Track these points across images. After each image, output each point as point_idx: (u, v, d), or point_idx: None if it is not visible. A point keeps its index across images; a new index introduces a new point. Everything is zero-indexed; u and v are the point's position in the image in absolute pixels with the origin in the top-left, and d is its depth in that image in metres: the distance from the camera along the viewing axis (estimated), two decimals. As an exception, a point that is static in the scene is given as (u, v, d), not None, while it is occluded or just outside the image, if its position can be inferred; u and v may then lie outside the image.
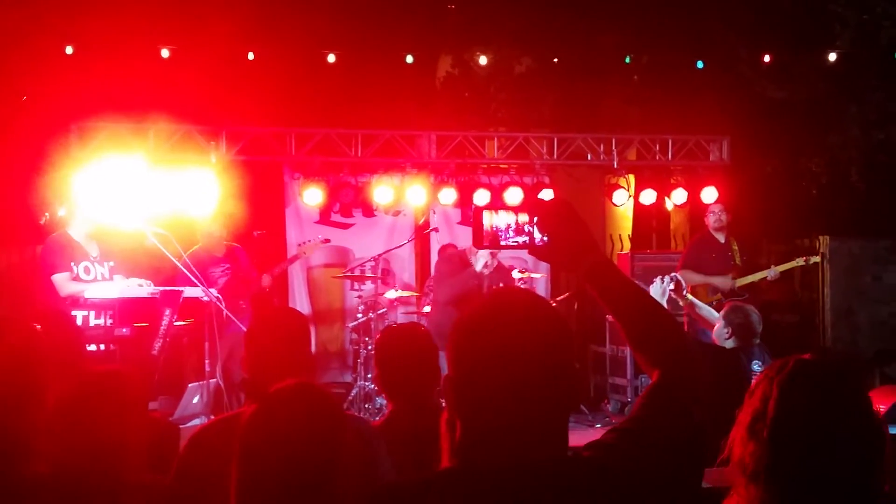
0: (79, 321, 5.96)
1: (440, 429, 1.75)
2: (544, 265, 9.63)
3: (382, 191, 9.86)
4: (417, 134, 10.13)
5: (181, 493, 2.86)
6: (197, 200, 8.42)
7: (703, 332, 6.41)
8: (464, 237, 10.15)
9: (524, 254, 8.28)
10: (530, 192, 10.06)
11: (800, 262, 8.79)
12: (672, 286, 5.66)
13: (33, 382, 2.61)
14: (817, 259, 9.31)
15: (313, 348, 8.87)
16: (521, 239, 1.96)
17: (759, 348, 5.56)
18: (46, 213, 8.73)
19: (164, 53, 9.67)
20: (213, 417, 6.14)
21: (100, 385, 2.76)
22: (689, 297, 6.17)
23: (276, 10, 10.01)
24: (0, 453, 2.61)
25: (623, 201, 10.54)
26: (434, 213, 10.37)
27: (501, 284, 7.09)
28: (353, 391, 8.83)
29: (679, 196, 10.44)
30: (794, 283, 12.12)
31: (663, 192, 10.57)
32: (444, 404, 1.73)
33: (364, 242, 10.26)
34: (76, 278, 6.56)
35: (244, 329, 5.95)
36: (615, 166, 10.29)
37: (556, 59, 11.11)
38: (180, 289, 6.63)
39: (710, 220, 8.84)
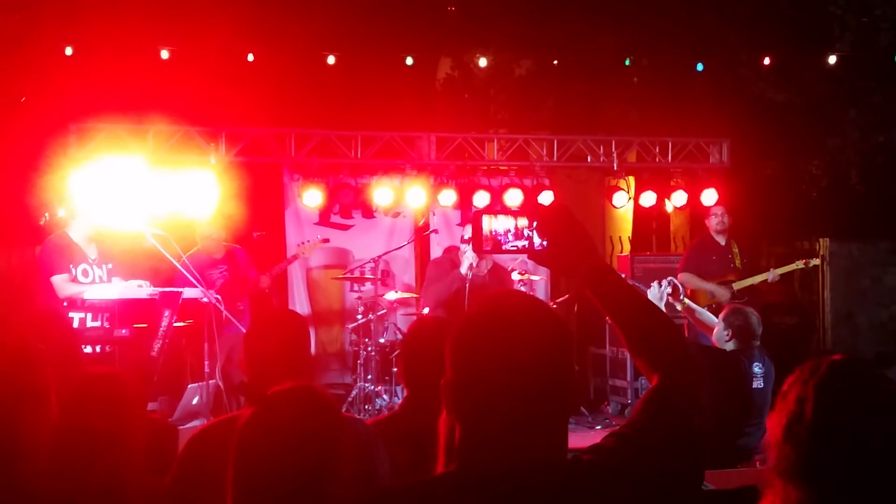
0: (76, 323, 5.96)
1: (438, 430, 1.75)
2: (544, 268, 9.61)
3: (382, 192, 9.86)
4: (417, 135, 10.13)
5: (180, 494, 2.86)
6: (196, 202, 8.42)
7: (701, 336, 6.41)
8: (463, 239, 10.14)
9: (524, 256, 8.28)
10: (530, 194, 10.05)
11: (799, 264, 8.79)
12: (670, 290, 5.66)
13: (30, 383, 2.61)
14: (817, 262, 9.31)
15: (313, 350, 8.87)
16: (520, 243, 1.96)
17: (759, 350, 5.57)
18: (46, 214, 8.73)
19: (164, 54, 9.66)
20: (212, 418, 6.14)
21: (98, 386, 2.76)
22: (687, 301, 6.17)
23: (275, 12, 10.00)
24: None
25: (623, 203, 10.54)
26: (434, 214, 10.37)
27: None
28: (353, 392, 8.82)
29: (679, 198, 10.44)
30: (794, 286, 12.12)
31: (663, 195, 10.57)
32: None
33: (364, 244, 10.25)
34: (74, 280, 6.56)
35: (243, 330, 5.95)
36: (615, 168, 10.30)
37: (555, 61, 11.11)
38: (180, 290, 6.64)
39: (712, 223, 8.84)
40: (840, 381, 1.92)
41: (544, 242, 1.91)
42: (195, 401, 6.85)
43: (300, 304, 10.18)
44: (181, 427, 6.14)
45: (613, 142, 10.28)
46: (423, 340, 3.52)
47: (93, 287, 6.52)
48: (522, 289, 8.25)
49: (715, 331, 5.70)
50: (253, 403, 2.26)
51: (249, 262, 8.24)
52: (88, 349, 5.89)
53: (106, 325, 6.08)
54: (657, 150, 10.44)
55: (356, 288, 9.59)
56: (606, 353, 9.89)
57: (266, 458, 2.12)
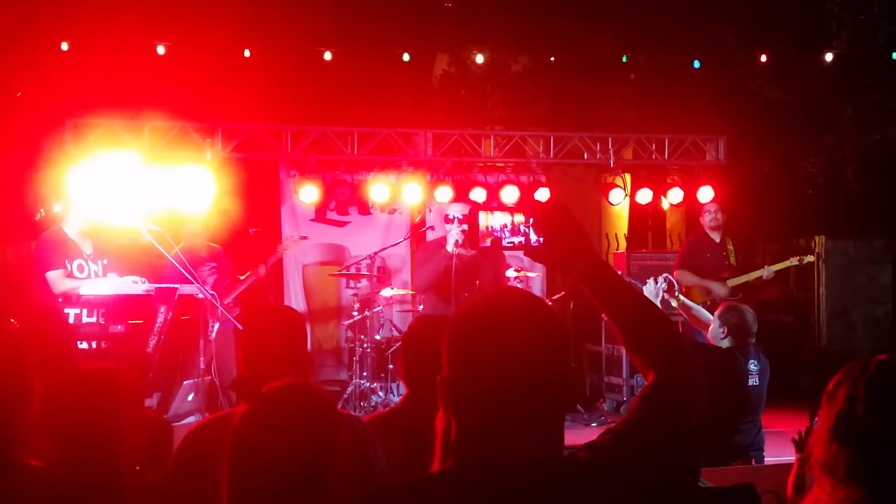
0: (71, 319, 5.94)
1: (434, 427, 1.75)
2: (540, 264, 9.62)
3: (378, 189, 9.85)
4: (414, 132, 10.12)
5: (176, 491, 2.86)
6: (192, 197, 8.41)
7: (696, 333, 6.41)
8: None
9: (520, 253, 8.27)
10: (526, 191, 10.05)
11: (794, 261, 8.80)
12: (665, 286, 5.67)
13: (21, 379, 2.60)
14: (811, 258, 9.32)
15: (309, 346, 8.88)
16: (516, 240, 1.96)
17: (755, 348, 5.57)
18: (41, 210, 8.72)
19: (160, 50, 9.65)
20: (206, 415, 6.14)
21: (95, 382, 2.76)
22: (682, 297, 6.17)
23: (272, 8, 10.00)
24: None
25: (619, 200, 10.54)
26: (430, 211, 10.36)
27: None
28: (349, 389, 8.83)
29: (675, 195, 10.45)
30: (790, 283, 12.14)
31: (659, 192, 10.57)
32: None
33: (360, 240, 10.24)
34: (70, 276, 6.55)
35: (239, 327, 5.95)
36: (612, 165, 10.30)
37: (552, 58, 11.11)
38: (175, 286, 6.63)
39: (706, 220, 8.85)
40: (892, 379, 1.92)
41: (541, 239, 1.91)
42: (190, 397, 6.85)
43: (296, 300, 10.18)
44: (176, 424, 6.14)
45: (610, 139, 10.28)
46: (423, 338, 3.51)
47: (88, 282, 6.51)
48: (518, 285, 8.25)
49: (710, 328, 5.70)
50: (248, 400, 2.26)
51: (231, 262, 8.26)
52: (84, 345, 5.88)
53: (101, 321, 6.07)
54: (654, 147, 10.44)
55: (352, 284, 9.58)
56: (602, 351, 9.90)
57: (261, 455, 2.12)
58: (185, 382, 6.87)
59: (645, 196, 10.53)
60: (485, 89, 11.42)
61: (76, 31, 9.35)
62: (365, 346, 8.79)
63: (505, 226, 1.95)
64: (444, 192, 9.91)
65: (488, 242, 1.99)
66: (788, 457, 4.55)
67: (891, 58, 10.71)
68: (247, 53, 9.91)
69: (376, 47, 10.45)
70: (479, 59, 10.84)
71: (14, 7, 9.00)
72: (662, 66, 11.06)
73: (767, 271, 8.55)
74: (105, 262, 6.81)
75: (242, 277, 8.16)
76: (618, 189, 10.39)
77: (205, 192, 8.49)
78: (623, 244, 11.57)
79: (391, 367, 8.72)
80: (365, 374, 8.71)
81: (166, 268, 7.09)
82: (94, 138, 8.94)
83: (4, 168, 8.82)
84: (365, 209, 10.25)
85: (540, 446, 1.61)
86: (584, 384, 10.22)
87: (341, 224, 10.34)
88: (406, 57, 10.43)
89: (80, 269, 6.63)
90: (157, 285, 6.59)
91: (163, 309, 6.29)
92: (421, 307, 7.84)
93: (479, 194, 9.91)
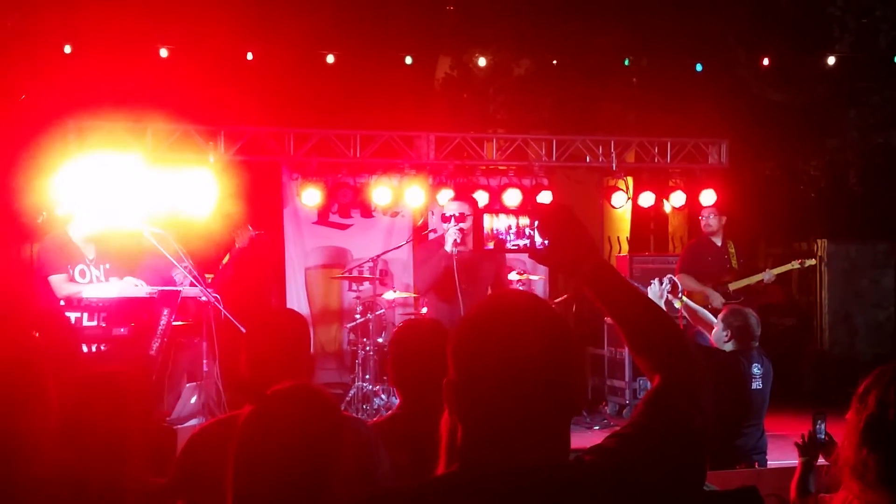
0: (72, 322, 5.94)
1: (439, 430, 1.75)
2: (542, 267, 9.61)
3: (381, 192, 9.86)
4: (416, 135, 10.13)
5: (179, 493, 2.86)
6: (195, 200, 8.41)
7: (699, 335, 6.41)
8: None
9: (522, 255, 8.25)
10: (529, 194, 10.05)
11: (795, 265, 8.80)
12: (669, 287, 5.67)
13: (31, 384, 2.60)
14: (813, 262, 9.30)
15: (311, 349, 8.87)
16: (521, 242, 1.96)
17: (758, 351, 5.57)
18: (44, 213, 8.71)
19: (163, 53, 9.66)
20: (210, 418, 6.14)
21: (103, 386, 2.76)
22: (685, 299, 6.17)
23: (274, 10, 10.00)
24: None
25: (621, 203, 10.54)
26: (432, 214, 10.36)
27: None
28: (351, 392, 8.82)
29: (677, 199, 10.45)
30: (792, 287, 12.13)
31: (662, 195, 10.58)
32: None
33: (362, 243, 10.24)
34: (72, 280, 6.55)
35: (243, 330, 5.95)
36: (614, 168, 10.30)
37: (554, 61, 11.11)
38: (178, 289, 6.63)
39: (702, 224, 8.87)
40: None
41: (545, 241, 1.91)
42: (193, 400, 6.84)
43: (298, 303, 10.17)
44: (179, 427, 6.14)
45: (612, 142, 10.28)
46: (408, 343, 3.52)
47: (90, 287, 6.51)
48: (521, 288, 8.24)
49: (714, 331, 5.70)
50: (252, 402, 2.26)
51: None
52: (85, 348, 5.88)
53: (103, 324, 6.07)
54: (656, 150, 10.45)
55: (354, 287, 9.59)
56: (604, 354, 9.89)
57: (265, 458, 2.12)
58: (187, 385, 6.86)
59: (647, 199, 10.53)
60: (487, 92, 11.41)
61: (79, 33, 9.36)
62: (367, 349, 8.79)
63: (510, 228, 1.96)
64: (447, 195, 9.90)
65: (491, 245, 1.99)
66: (791, 460, 4.55)
67: (893, 61, 10.71)
68: (249, 56, 9.91)
69: (379, 50, 10.46)
70: (482, 62, 10.84)
71: (17, 9, 9.01)
72: (664, 69, 11.06)
73: (769, 274, 8.54)
74: (107, 266, 6.81)
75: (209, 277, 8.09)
76: (620, 192, 10.40)
77: (207, 194, 8.49)
78: (625, 247, 11.57)
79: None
80: (367, 377, 8.71)
81: (167, 270, 7.08)
82: (96, 141, 8.94)
83: (6, 170, 8.82)
84: (367, 212, 10.25)
85: (546, 450, 1.61)
86: (587, 387, 10.21)
87: (344, 227, 10.35)
88: (408, 60, 10.43)
89: (83, 274, 6.63)
90: (160, 288, 6.59)
91: (165, 312, 6.29)
92: (424, 310, 7.82)
93: (481, 197, 9.92)
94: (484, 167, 10.39)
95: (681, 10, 10.72)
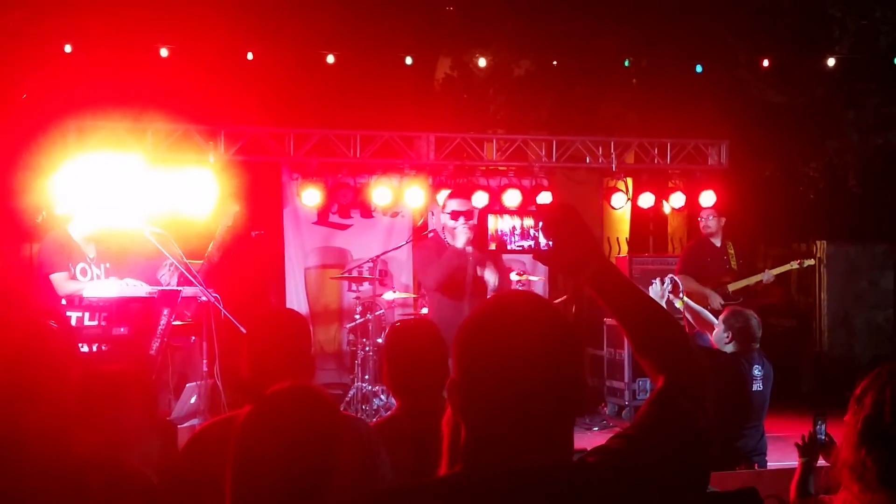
0: (73, 322, 5.93)
1: (441, 430, 1.75)
2: (542, 268, 9.63)
3: (381, 192, 9.86)
4: (416, 135, 10.13)
5: (180, 493, 2.86)
6: (195, 200, 8.41)
7: (699, 335, 6.42)
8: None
9: (522, 256, 8.24)
10: (529, 195, 10.05)
11: (794, 265, 8.80)
12: (670, 287, 5.68)
13: (31, 381, 2.60)
14: (811, 262, 9.31)
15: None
16: (525, 243, 1.96)
17: (759, 353, 5.57)
18: (43, 212, 8.71)
19: (163, 52, 9.65)
20: (210, 418, 6.13)
21: (104, 385, 2.76)
22: (686, 299, 6.18)
23: (275, 11, 10.00)
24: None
25: (621, 204, 10.55)
26: (432, 214, 10.36)
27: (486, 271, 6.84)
28: (351, 392, 8.82)
29: (677, 200, 10.45)
30: (791, 288, 12.14)
31: (661, 196, 10.58)
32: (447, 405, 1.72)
33: (362, 243, 10.25)
34: (73, 278, 6.54)
35: (243, 330, 5.94)
36: (614, 169, 10.31)
37: (555, 62, 11.11)
38: (178, 288, 6.62)
39: (701, 226, 8.88)
40: None
41: (549, 242, 1.91)
42: (193, 400, 6.84)
43: (298, 303, 10.17)
44: (179, 426, 6.14)
45: (612, 143, 10.29)
46: (402, 345, 3.52)
47: (91, 285, 6.50)
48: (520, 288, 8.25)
49: (714, 332, 5.71)
50: (253, 402, 2.26)
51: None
52: (85, 348, 5.87)
53: (103, 323, 6.06)
54: (656, 151, 10.45)
55: (354, 288, 9.58)
56: (604, 355, 9.89)
57: (264, 458, 2.12)
58: (187, 385, 6.86)
59: (647, 200, 10.54)
60: (487, 93, 11.42)
61: (79, 33, 9.35)
62: (367, 349, 8.79)
63: (514, 229, 1.96)
64: (446, 196, 9.90)
65: (493, 246, 1.99)
66: (790, 461, 4.56)
67: (892, 62, 10.72)
68: (250, 56, 9.91)
69: (379, 50, 10.46)
70: (482, 62, 10.84)
71: (18, 9, 9.01)
72: (664, 70, 11.06)
73: (768, 275, 8.54)
74: (107, 265, 6.80)
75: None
76: (620, 193, 10.40)
77: (207, 194, 8.49)
78: (624, 248, 11.58)
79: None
80: (367, 377, 8.71)
81: (153, 270, 7.05)
82: (97, 141, 8.95)
83: (6, 170, 8.82)
84: (367, 212, 10.26)
85: (549, 450, 1.61)
86: (590, 388, 10.21)
87: (343, 227, 10.35)
88: (408, 60, 10.43)
89: (84, 272, 6.62)
90: (160, 287, 6.59)
91: (165, 312, 6.28)
92: (425, 310, 7.80)
93: (481, 198, 9.92)
94: (484, 168, 10.40)
95: (681, 11, 10.72)
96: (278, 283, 10.27)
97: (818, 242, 11.75)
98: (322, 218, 10.24)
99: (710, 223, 8.76)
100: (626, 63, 11.05)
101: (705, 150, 10.58)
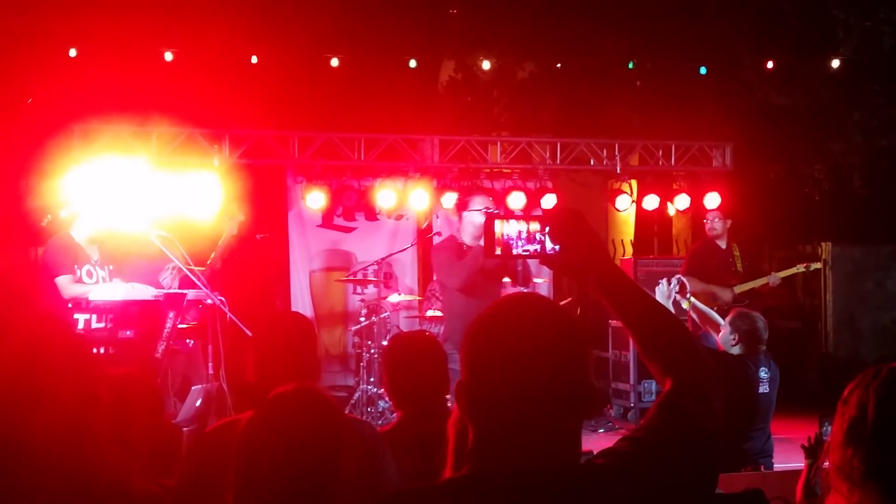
0: (80, 324, 5.95)
1: (446, 432, 1.75)
2: (547, 270, 9.63)
3: (385, 195, 9.87)
4: (420, 138, 10.14)
5: (185, 495, 2.86)
6: (200, 204, 8.41)
7: (705, 336, 6.41)
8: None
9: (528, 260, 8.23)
10: (533, 197, 10.06)
11: (800, 268, 8.80)
12: (677, 288, 5.68)
13: (37, 385, 2.60)
14: (818, 265, 9.31)
15: (315, 352, 8.84)
16: (532, 248, 1.96)
17: (765, 355, 5.57)
18: (48, 216, 8.72)
19: (168, 56, 9.67)
20: (215, 421, 6.13)
21: (110, 388, 2.76)
22: (693, 299, 6.18)
23: (279, 14, 10.02)
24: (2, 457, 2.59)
25: (626, 206, 10.55)
26: (437, 217, 10.37)
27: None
28: (356, 395, 8.82)
29: (682, 202, 10.45)
30: (797, 289, 12.12)
31: (666, 198, 10.58)
32: (451, 409, 1.72)
33: (366, 246, 10.26)
34: (79, 281, 6.56)
35: (249, 333, 5.95)
36: (618, 171, 10.31)
37: (559, 65, 11.12)
38: (184, 291, 6.63)
39: (706, 228, 8.88)
40: None
41: (556, 247, 1.91)
42: (198, 403, 6.84)
43: (302, 306, 10.18)
44: (184, 429, 6.14)
45: (616, 145, 10.28)
46: (403, 355, 3.54)
47: (97, 287, 6.52)
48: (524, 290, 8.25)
49: (721, 334, 5.70)
50: (258, 405, 2.26)
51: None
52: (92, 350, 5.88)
53: (109, 325, 6.07)
54: (660, 153, 10.45)
55: (359, 290, 9.59)
56: (609, 357, 9.88)
57: (268, 460, 2.12)
58: (193, 388, 6.86)
59: (651, 202, 10.54)
60: (491, 95, 11.42)
61: (84, 37, 9.37)
62: (372, 351, 8.79)
63: (520, 233, 1.96)
64: (451, 199, 9.91)
65: (499, 251, 1.99)
66: (797, 463, 4.55)
67: (897, 64, 10.72)
68: (254, 59, 9.92)
69: (383, 53, 10.47)
70: (486, 65, 10.85)
71: (22, 13, 9.02)
72: (669, 72, 11.06)
73: (774, 278, 8.54)
74: (111, 268, 6.82)
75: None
76: (624, 195, 10.41)
77: (212, 198, 8.49)
78: (629, 250, 11.57)
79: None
80: (372, 379, 8.71)
81: (154, 273, 7.06)
82: (101, 144, 8.96)
83: (11, 173, 8.84)
84: (372, 215, 10.26)
85: (557, 452, 1.62)
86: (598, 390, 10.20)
87: (348, 230, 10.36)
88: (413, 63, 10.45)
89: (89, 274, 6.64)
90: (165, 290, 6.60)
91: (171, 315, 6.30)
92: (429, 312, 7.79)
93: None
94: (488, 170, 10.40)
95: (685, 14, 10.72)
96: (283, 286, 10.28)
97: (823, 244, 11.72)
98: (327, 221, 10.25)
99: (715, 225, 8.76)
100: (631, 65, 11.05)
101: (710, 151, 10.57)
